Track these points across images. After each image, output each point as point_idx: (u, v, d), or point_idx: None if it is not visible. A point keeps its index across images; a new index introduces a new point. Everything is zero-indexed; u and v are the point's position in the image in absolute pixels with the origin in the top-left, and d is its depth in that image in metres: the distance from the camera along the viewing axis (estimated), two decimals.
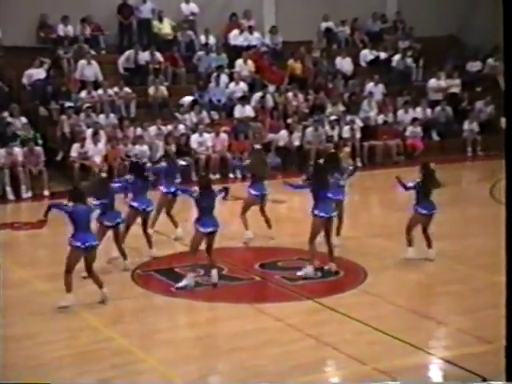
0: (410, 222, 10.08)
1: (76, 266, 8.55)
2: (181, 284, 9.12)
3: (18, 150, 15.70)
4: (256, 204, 11.29)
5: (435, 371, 7.13)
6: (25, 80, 17.86)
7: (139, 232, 10.64)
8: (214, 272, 9.27)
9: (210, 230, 9.13)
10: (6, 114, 16.54)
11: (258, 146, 12.68)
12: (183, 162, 12.60)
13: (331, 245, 9.71)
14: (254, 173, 11.37)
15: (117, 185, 10.49)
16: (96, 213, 9.51)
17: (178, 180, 11.81)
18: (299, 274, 9.52)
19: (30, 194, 15.48)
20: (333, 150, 11.81)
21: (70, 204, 8.47)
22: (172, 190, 11.34)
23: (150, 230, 10.86)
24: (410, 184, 10.08)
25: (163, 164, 11.74)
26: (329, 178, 9.83)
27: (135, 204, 10.36)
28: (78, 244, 8.41)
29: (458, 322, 7.96)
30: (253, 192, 11.19)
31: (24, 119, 16.62)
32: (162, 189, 11.41)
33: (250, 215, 11.36)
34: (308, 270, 9.50)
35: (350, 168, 11.04)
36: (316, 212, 9.44)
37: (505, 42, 4.00)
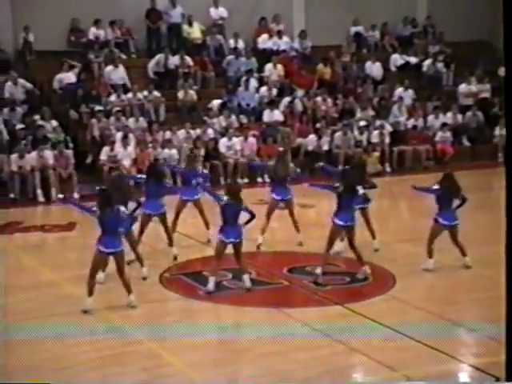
0: (431, 233, 9.93)
1: (100, 269, 8.59)
2: (207, 288, 9.10)
3: (48, 153, 15.85)
4: (279, 208, 11.21)
5: (465, 379, 7.04)
6: (56, 84, 18.08)
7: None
8: (246, 277, 9.26)
9: (232, 240, 9.08)
10: (37, 117, 16.77)
11: (280, 149, 12.55)
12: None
13: (357, 250, 9.62)
14: (274, 176, 11.31)
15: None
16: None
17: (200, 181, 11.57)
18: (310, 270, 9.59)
19: (59, 197, 15.57)
20: (359, 157, 11.68)
21: (96, 209, 8.50)
22: (190, 197, 11.22)
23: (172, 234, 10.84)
24: (435, 187, 9.94)
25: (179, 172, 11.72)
26: (357, 186, 9.74)
27: (145, 209, 10.29)
28: (101, 248, 8.44)
29: (488, 329, 7.77)
30: (275, 196, 11.13)
31: (55, 122, 16.82)
32: (181, 196, 11.34)
33: (277, 219, 11.34)
34: (317, 271, 9.47)
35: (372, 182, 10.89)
36: (335, 220, 9.41)
37: (505, 43, 3.96)
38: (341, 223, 9.41)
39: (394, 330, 7.84)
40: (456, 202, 10.00)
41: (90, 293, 8.46)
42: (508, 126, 4.09)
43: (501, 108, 20.53)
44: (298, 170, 11.90)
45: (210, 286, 9.08)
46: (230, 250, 9.27)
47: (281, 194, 11.13)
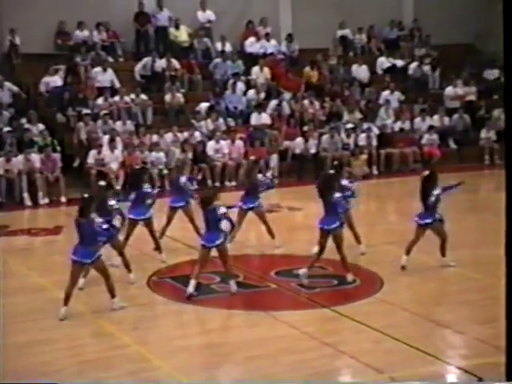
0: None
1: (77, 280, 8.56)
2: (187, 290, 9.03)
3: (35, 157, 15.82)
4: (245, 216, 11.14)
5: (453, 381, 7.05)
6: (42, 87, 18.08)
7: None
8: (232, 282, 9.25)
9: (214, 244, 9.02)
10: (23, 120, 16.76)
11: (252, 158, 12.45)
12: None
13: (342, 255, 9.56)
14: (245, 185, 11.27)
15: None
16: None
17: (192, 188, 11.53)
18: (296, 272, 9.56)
19: (46, 201, 15.57)
20: (336, 162, 11.63)
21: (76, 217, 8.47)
22: (178, 204, 11.27)
23: (159, 237, 10.86)
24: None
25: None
26: (334, 189, 9.70)
27: (129, 215, 10.28)
28: (75, 258, 8.39)
29: (477, 331, 7.86)
30: (243, 206, 11.02)
31: (41, 126, 16.80)
32: (171, 203, 11.35)
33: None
34: (303, 271, 9.44)
35: (352, 186, 10.85)
36: (320, 224, 9.46)
37: (505, 44, 3.97)
38: (324, 227, 9.43)
39: (382, 332, 7.82)
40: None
41: (66, 302, 8.38)
42: (507, 126, 4.09)
43: (487, 111, 20.68)
44: (269, 181, 11.66)
45: (190, 288, 8.95)
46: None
47: (248, 202, 11.05)
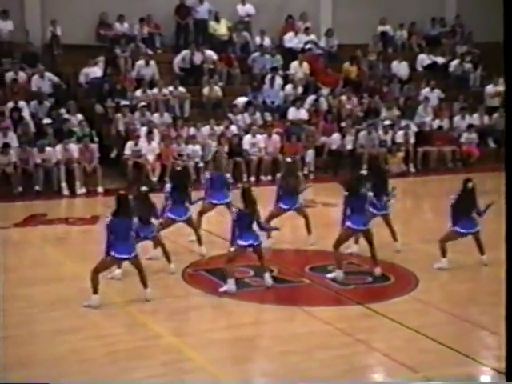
0: (444, 237, 9.95)
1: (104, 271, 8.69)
2: (222, 289, 9.10)
3: (73, 147, 15.96)
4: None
5: (487, 382, 6.99)
6: (82, 78, 18.21)
7: (189, 230, 10.78)
8: (267, 275, 9.27)
9: (250, 242, 9.08)
10: (63, 110, 16.90)
11: (288, 160, 12.25)
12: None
13: (374, 251, 9.64)
14: (283, 186, 11.16)
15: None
16: None
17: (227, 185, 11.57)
18: (329, 276, 9.53)
19: (84, 190, 15.70)
20: (377, 164, 11.62)
21: (109, 217, 8.57)
22: (218, 202, 11.32)
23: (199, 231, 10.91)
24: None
25: (207, 176, 11.75)
26: (366, 190, 9.77)
27: (170, 215, 10.41)
28: (113, 253, 8.50)
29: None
30: (282, 206, 11.01)
31: (80, 116, 16.93)
32: (212, 200, 11.35)
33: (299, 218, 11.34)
34: (337, 274, 9.46)
35: (392, 193, 10.81)
36: (347, 223, 9.46)
37: (505, 43, 3.94)
38: (354, 227, 9.48)
39: (416, 331, 7.79)
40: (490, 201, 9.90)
41: (95, 290, 8.48)
42: (508, 128, 4.02)
43: None
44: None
45: (232, 286, 9.02)
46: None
47: (289, 203, 11.03)
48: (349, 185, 9.72)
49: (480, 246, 10.02)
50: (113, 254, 8.49)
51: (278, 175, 11.59)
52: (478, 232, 9.98)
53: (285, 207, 11.04)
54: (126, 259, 8.72)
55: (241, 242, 9.06)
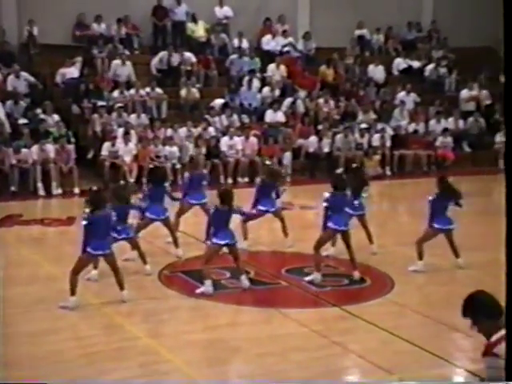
0: (422, 237, 10.05)
1: (82, 270, 8.68)
2: (199, 290, 9.13)
3: (49, 147, 15.91)
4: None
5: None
6: (58, 78, 18.18)
7: (166, 232, 10.80)
8: (243, 277, 9.33)
9: (227, 241, 9.14)
10: (39, 110, 16.85)
11: (268, 163, 12.49)
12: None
13: (352, 254, 9.72)
14: (262, 189, 11.24)
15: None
16: None
17: (205, 184, 11.67)
18: (307, 279, 9.60)
19: (60, 191, 15.68)
20: (356, 165, 11.73)
21: (87, 212, 8.58)
22: (196, 201, 11.37)
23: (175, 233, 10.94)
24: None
25: (186, 176, 11.85)
26: (348, 193, 9.90)
27: (149, 214, 10.43)
28: (89, 250, 8.51)
29: None
30: (261, 208, 11.10)
31: (57, 117, 16.90)
32: (189, 199, 11.41)
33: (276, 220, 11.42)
34: (315, 276, 9.54)
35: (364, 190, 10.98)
36: (329, 224, 9.51)
37: (505, 44, 3.95)
38: (335, 227, 9.53)
39: (391, 333, 7.87)
40: (451, 207, 10.09)
41: (73, 292, 8.47)
42: (508, 129, 4.03)
43: (502, 114, 20.63)
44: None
45: (209, 288, 9.06)
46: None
47: (267, 205, 11.11)
48: (334, 184, 9.75)
49: (454, 248, 10.13)
50: (89, 250, 8.49)
51: (258, 179, 11.70)
52: (452, 230, 10.05)
53: (263, 209, 11.10)
54: (101, 255, 8.71)
55: (216, 241, 9.10)
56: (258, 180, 11.70)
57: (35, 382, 6.42)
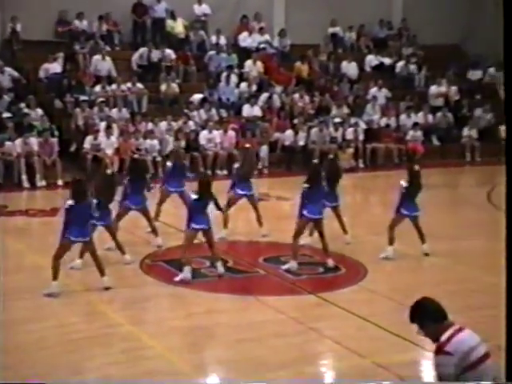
0: (392, 223, 10.41)
1: (64, 255, 8.88)
2: (177, 278, 9.37)
3: (33, 140, 16.11)
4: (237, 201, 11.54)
5: (430, 367, 7.45)
6: (41, 73, 18.32)
7: (146, 222, 11.05)
8: (219, 264, 9.61)
9: (202, 226, 9.44)
10: (22, 105, 17.03)
11: (247, 145, 12.73)
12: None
13: (325, 242, 10.02)
14: (239, 172, 11.56)
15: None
16: None
17: (188, 176, 12.06)
18: (283, 267, 9.87)
19: (44, 183, 15.91)
20: (331, 156, 12.17)
21: (70, 202, 8.83)
22: (178, 189, 11.73)
23: (154, 222, 11.24)
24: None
25: (169, 164, 12.15)
26: (323, 184, 10.21)
27: (128, 203, 10.72)
28: (71, 237, 8.78)
29: (456, 320, 8.06)
30: (239, 191, 11.40)
31: (40, 111, 17.08)
32: (168, 187, 11.78)
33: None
34: (292, 264, 9.82)
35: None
36: (304, 212, 9.79)
37: (505, 48, 4.07)
38: (309, 215, 9.82)
39: (366, 319, 8.04)
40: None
41: (55, 277, 8.67)
42: (508, 126, 4.12)
43: (469, 110, 21.29)
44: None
45: (188, 274, 9.31)
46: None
47: (244, 189, 11.42)
48: (309, 176, 10.03)
49: (421, 233, 10.51)
50: (69, 236, 8.76)
51: (235, 165, 11.98)
52: (417, 217, 10.45)
53: (241, 192, 11.39)
54: (81, 241, 8.95)
55: (193, 225, 9.40)
56: (235, 166, 11.94)
57: (35, 381, 6.49)
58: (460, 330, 4.49)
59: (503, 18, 4.02)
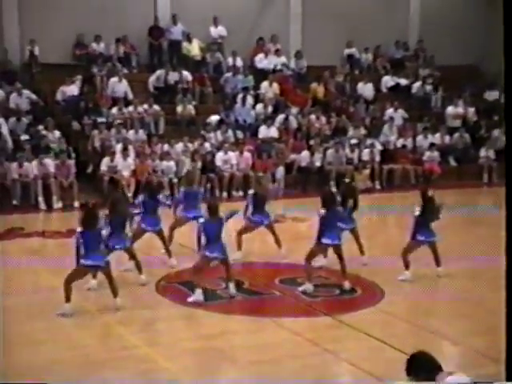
0: (406, 248, 10.39)
1: (77, 280, 8.92)
2: (190, 299, 9.39)
3: (49, 162, 16.21)
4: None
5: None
6: (59, 96, 18.49)
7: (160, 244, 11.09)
8: (231, 285, 9.61)
9: (216, 255, 9.44)
10: (41, 127, 17.18)
11: (260, 174, 12.71)
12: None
13: (344, 265, 10.01)
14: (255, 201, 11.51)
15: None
16: None
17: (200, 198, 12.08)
18: (299, 289, 9.85)
19: (60, 205, 15.96)
20: (348, 179, 12.09)
21: (79, 230, 8.88)
22: (191, 215, 11.65)
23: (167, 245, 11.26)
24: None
25: (182, 190, 12.22)
26: (339, 208, 10.24)
27: (142, 224, 10.80)
28: (84, 262, 8.81)
29: (474, 342, 8.05)
30: (256, 220, 11.39)
31: (58, 133, 17.20)
32: (182, 212, 11.80)
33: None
34: (307, 286, 9.80)
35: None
36: (322, 239, 9.79)
37: (505, 45, 4.24)
38: (327, 242, 9.83)
39: (382, 341, 8.01)
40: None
41: (68, 299, 8.72)
42: (508, 142, 4.26)
43: (487, 130, 21.20)
44: (278, 189, 12.00)
45: (200, 297, 9.34)
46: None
47: (261, 217, 11.42)
48: (324, 201, 10.00)
49: (436, 257, 10.48)
50: (84, 262, 8.78)
51: (250, 191, 11.97)
52: (435, 242, 10.43)
53: (258, 221, 11.41)
54: (97, 267, 8.97)
55: (206, 253, 9.40)
56: (250, 192, 11.93)
57: (35, 382, 6.54)
58: (451, 373, 4.66)
59: (503, 18, 4.33)
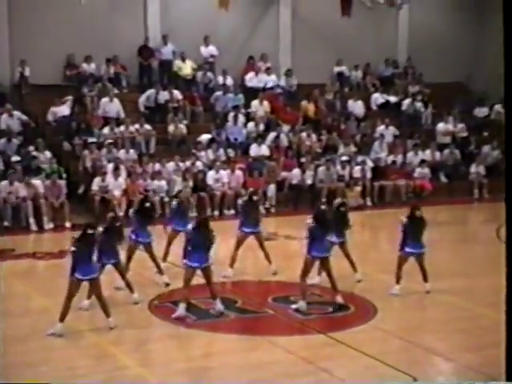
0: (398, 261, 10.48)
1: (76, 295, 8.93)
2: (174, 315, 9.40)
3: (38, 183, 16.16)
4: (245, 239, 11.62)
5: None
6: (50, 116, 18.48)
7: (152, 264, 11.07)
8: (217, 301, 9.60)
9: (198, 265, 9.43)
10: (31, 148, 17.15)
11: (251, 189, 12.86)
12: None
13: (333, 280, 10.03)
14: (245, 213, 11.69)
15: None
16: None
17: (192, 216, 12.15)
18: (293, 307, 9.86)
19: (51, 226, 15.89)
20: (339, 201, 12.14)
21: (73, 248, 8.90)
22: (181, 228, 11.57)
23: (161, 263, 11.32)
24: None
25: (174, 203, 12.22)
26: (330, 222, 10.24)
27: (135, 237, 10.84)
28: (79, 276, 8.83)
29: (466, 358, 8.10)
30: (245, 230, 11.52)
31: (49, 153, 17.19)
32: (174, 226, 11.84)
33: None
34: (301, 304, 9.80)
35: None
36: (310, 251, 9.81)
37: (505, 47, 4.18)
38: (315, 254, 9.82)
39: (376, 358, 8.01)
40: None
41: (62, 318, 8.73)
42: (507, 160, 4.28)
43: (477, 147, 21.30)
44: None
45: (182, 311, 9.36)
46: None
47: (251, 227, 11.54)
48: (315, 216, 10.01)
49: (424, 272, 10.50)
50: (77, 275, 8.81)
51: (240, 200, 12.13)
52: (423, 254, 10.45)
53: (247, 230, 11.50)
54: (88, 280, 8.95)
55: (188, 262, 9.40)
56: (240, 201, 12.05)
57: (35, 382, 6.58)
58: None
59: (503, 19, 4.17)
